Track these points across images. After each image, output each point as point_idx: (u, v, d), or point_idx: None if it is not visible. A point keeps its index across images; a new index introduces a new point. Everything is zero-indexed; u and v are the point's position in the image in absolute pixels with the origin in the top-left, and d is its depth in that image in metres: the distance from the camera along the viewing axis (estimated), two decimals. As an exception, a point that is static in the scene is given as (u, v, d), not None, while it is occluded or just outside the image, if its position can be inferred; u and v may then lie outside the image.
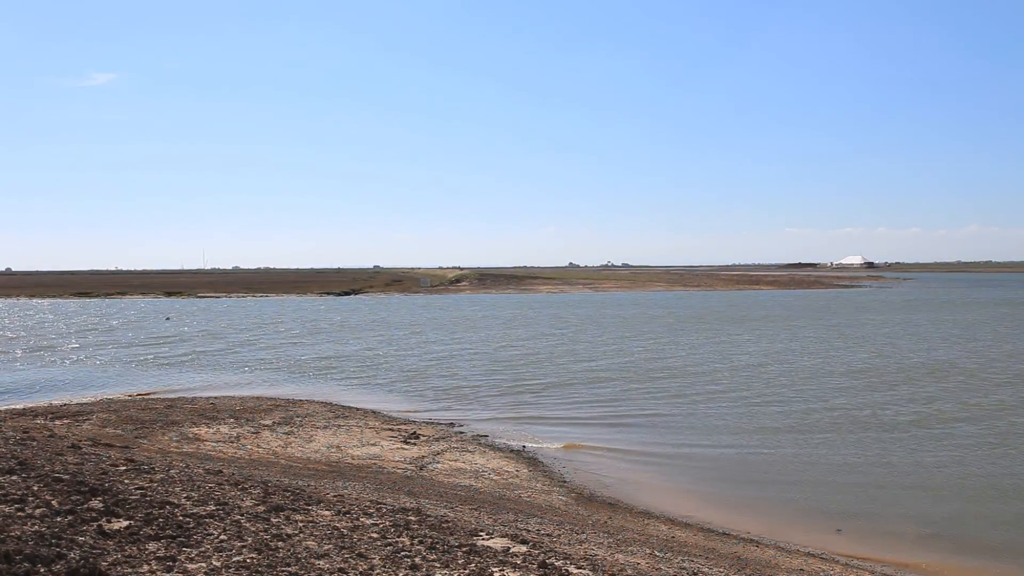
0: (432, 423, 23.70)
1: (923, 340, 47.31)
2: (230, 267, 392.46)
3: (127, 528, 6.99)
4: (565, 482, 17.36)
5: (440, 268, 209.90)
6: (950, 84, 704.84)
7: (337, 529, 8.26)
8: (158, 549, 6.53)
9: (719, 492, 17.21)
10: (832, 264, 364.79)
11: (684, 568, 9.94)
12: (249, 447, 18.08)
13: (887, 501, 16.36)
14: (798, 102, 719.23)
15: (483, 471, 17.53)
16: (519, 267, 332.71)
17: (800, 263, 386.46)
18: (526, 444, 21.07)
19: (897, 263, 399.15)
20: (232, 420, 21.53)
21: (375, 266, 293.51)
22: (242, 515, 8.12)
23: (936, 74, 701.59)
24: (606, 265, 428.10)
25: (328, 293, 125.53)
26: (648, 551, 10.85)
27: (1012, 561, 13.09)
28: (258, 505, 8.78)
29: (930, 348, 42.95)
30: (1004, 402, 26.42)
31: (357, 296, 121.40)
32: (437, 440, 20.72)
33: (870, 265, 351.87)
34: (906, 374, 33.12)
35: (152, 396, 27.50)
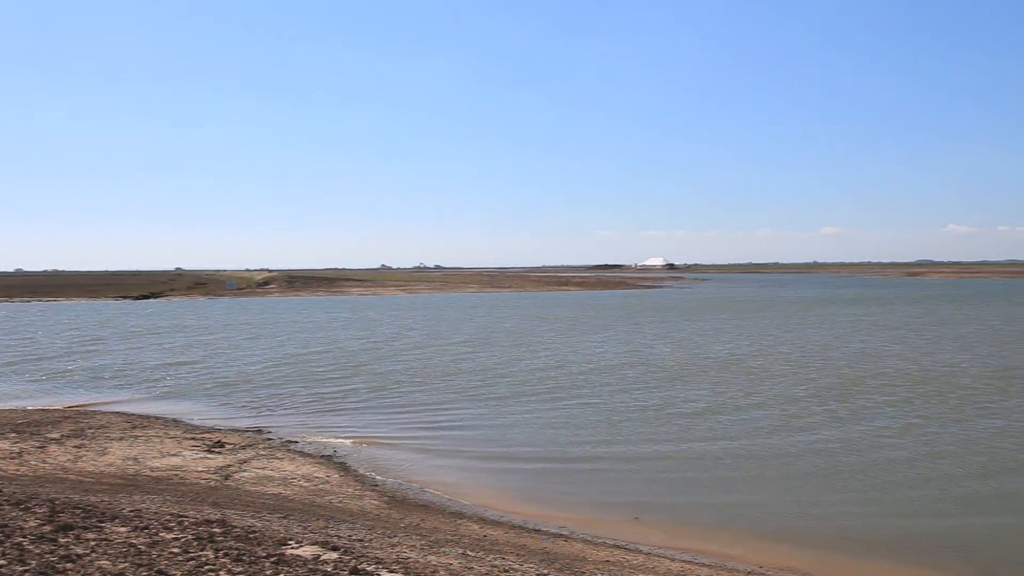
0: (238, 431, 22.88)
1: (717, 335, 50.15)
2: (12, 269, 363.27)
3: None
4: (377, 486, 17.19)
5: (247, 270, 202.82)
6: (738, 99, 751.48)
7: (134, 546, 7.82)
8: (-75, 579, 5.95)
9: (529, 489, 17.54)
10: (636, 265, 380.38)
11: (495, 566, 10.06)
12: (34, 463, 16.80)
13: (684, 490, 17.22)
14: (611, 108, 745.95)
15: (292, 478, 17.09)
16: (330, 269, 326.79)
17: (607, 264, 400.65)
18: (337, 448, 20.72)
19: (696, 264, 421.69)
20: (14, 435, 19.95)
21: (177, 268, 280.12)
22: (24, 537, 7.54)
23: (723, 88, 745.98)
24: (419, 267, 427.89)
25: (125, 297, 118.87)
26: (460, 551, 10.91)
27: (799, 542, 14.06)
28: (44, 525, 8.18)
29: (722, 343, 45.58)
30: (790, 390, 28.37)
31: (157, 300, 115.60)
32: (244, 448, 20.02)
33: (671, 266, 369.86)
34: (699, 366, 34.99)
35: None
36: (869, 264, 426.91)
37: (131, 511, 10.09)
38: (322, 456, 19.79)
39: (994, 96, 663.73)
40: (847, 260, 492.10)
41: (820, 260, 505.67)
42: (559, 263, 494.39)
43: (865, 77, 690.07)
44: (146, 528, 8.81)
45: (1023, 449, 19.77)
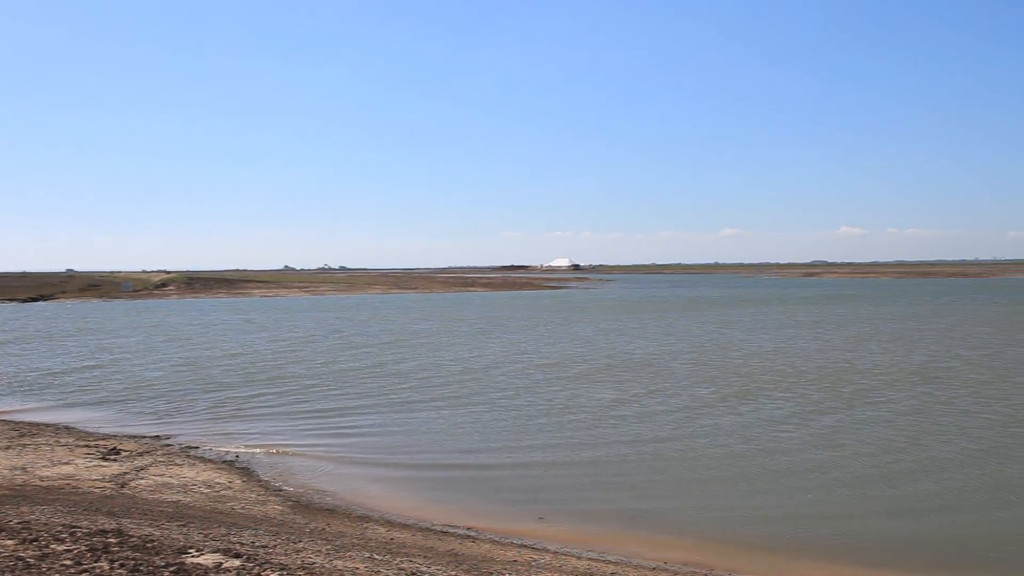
0: (136, 437, 22.15)
1: (621, 335, 50.88)
2: None
3: None
4: (281, 491, 16.87)
5: (144, 272, 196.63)
6: (640, 101, 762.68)
7: (22, 559, 7.48)
8: None
9: (436, 493, 17.48)
10: (542, 266, 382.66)
11: (403, 569, 9.99)
12: (-86, 474, 15.94)
13: (589, 490, 17.37)
14: (516, 110, 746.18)
15: (192, 484, 16.63)
16: (231, 270, 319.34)
17: (513, 265, 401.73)
18: (239, 454, 20.25)
19: (601, 265, 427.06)
20: None
21: (68, 269, 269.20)
22: (-98, 552, 7.13)
23: (626, 90, 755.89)
24: (323, 268, 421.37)
25: (11, 299, 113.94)
26: (367, 555, 10.79)
27: (703, 538, 14.36)
28: (-77, 539, 7.76)
29: (626, 342, 46.26)
30: (693, 389, 28.97)
31: (47, 302, 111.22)
32: (141, 455, 19.39)
33: (576, 267, 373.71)
34: (604, 366, 35.43)
35: None
36: (768, 265, 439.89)
37: (19, 523, 9.67)
38: (224, 462, 19.33)
39: (882, 102, 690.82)
40: (747, 261, 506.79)
41: (721, 261, 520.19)
42: (466, 264, 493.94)
43: (766, 80, 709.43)
44: (35, 540, 8.45)
45: (913, 443, 20.61)
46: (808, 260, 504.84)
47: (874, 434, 21.64)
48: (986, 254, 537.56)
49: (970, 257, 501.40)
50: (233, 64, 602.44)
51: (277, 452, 20.63)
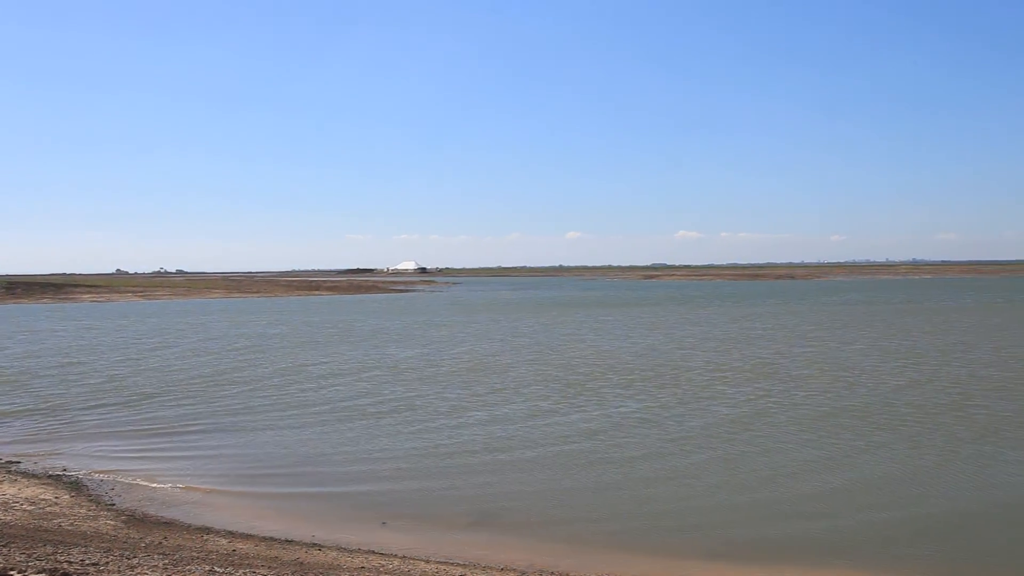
0: (-52, 453, 20.57)
1: (463, 338, 51.19)
2: None
3: None
4: (113, 505, 16.04)
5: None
6: (486, 105, 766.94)
7: None
8: None
9: (279, 500, 17.11)
10: (388, 269, 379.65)
11: (246, 580, 9.70)
12: None
13: (434, 493, 17.35)
14: (355, 115, 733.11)
15: (14, 502, 15.58)
16: (57, 274, 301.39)
17: (359, 268, 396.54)
18: (67, 468, 19.12)
19: (448, 268, 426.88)
20: None
21: None
22: None
23: (472, 94, 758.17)
24: (159, 272, 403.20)
25: None
26: (207, 567, 10.43)
27: (546, 538, 14.60)
28: None
29: (467, 343, 46.55)
30: (535, 387, 29.40)
31: None
32: (-45, 472, 18.00)
33: (423, 270, 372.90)
34: (448, 369, 35.52)
35: None
36: (610, 267, 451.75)
37: None
38: (50, 476, 18.20)
39: (720, 112, 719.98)
40: (590, 264, 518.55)
41: (566, 264, 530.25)
42: (310, 267, 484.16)
43: (612, 84, 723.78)
44: None
45: (747, 430, 21.70)
46: (648, 263, 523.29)
47: (715, 429, 22.58)
48: (811, 257, 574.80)
49: (796, 260, 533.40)
50: (59, 50, 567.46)
51: (110, 469, 19.60)
